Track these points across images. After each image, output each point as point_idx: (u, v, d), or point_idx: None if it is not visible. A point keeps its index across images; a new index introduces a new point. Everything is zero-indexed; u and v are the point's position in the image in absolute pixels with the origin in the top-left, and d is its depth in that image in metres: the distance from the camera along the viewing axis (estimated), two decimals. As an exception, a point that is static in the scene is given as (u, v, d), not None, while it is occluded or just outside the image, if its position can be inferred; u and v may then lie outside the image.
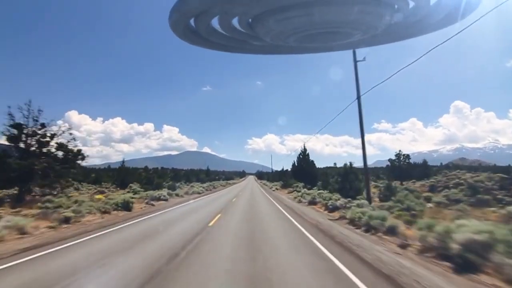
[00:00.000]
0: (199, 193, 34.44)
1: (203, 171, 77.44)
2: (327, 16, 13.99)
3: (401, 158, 41.67)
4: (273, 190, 43.90)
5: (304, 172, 36.14)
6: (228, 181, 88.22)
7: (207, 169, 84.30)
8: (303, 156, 37.40)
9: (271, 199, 25.37)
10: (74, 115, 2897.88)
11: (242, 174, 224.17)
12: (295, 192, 32.65)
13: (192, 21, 14.70)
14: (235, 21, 15.53)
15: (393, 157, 43.26)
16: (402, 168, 40.69)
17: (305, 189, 26.25)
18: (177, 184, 47.32)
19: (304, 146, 37.77)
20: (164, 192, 24.35)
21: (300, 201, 21.76)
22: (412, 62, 11.47)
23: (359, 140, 13.60)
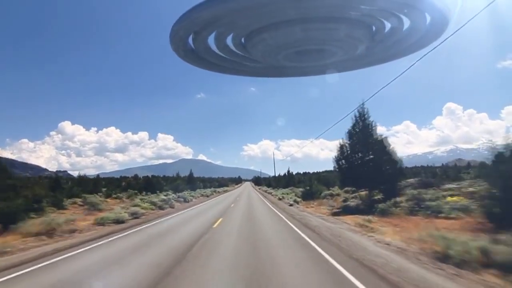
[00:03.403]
0: (120, 222, 13.89)
1: (180, 178, 56.17)
2: (311, 33, 16.59)
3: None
4: (290, 205, 23.46)
5: (368, 165, 15.76)
6: (217, 189, 67.07)
7: (189, 175, 63.22)
8: (361, 130, 17.04)
9: None
10: (67, 126, 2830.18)
11: (238, 181, 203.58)
12: (371, 220, 12.45)
13: (191, 42, 18.09)
14: (230, 43, 18.43)
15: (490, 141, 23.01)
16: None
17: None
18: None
19: (362, 111, 17.36)
20: None
21: None
22: (400, 74, 12.42)
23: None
